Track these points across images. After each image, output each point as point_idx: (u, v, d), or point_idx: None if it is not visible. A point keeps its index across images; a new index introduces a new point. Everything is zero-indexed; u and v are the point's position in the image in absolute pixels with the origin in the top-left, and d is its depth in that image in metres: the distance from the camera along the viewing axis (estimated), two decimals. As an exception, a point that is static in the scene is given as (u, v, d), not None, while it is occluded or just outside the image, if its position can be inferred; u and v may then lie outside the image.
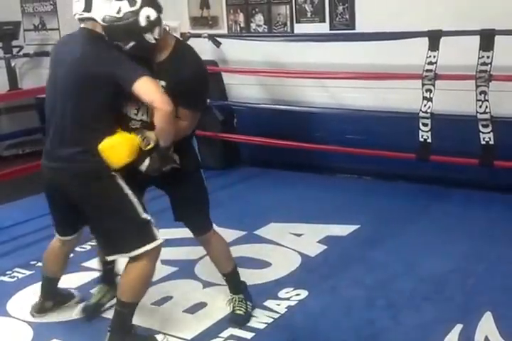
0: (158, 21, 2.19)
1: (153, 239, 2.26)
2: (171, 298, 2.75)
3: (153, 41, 2.18)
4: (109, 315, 2.61)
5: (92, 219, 2.32)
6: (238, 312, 2.55)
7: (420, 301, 2.62)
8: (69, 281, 2.97)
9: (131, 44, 2.16)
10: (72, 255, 3.23)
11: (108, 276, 2.71)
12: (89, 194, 2.22)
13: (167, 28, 2.32)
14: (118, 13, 2.13)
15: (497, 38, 3.48)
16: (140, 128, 2.24)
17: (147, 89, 2.09)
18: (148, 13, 2.16)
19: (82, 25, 2.26)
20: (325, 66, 4.21)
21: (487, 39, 3.52)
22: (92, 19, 2.21)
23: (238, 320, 2.53)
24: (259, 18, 4.60)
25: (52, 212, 2.47)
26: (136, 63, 2.14)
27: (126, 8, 2.13)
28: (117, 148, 2.14)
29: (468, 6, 3.79)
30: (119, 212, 2.23)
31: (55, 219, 2.49)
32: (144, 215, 2.25)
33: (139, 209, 2.24)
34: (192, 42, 4.56)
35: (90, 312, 2.65)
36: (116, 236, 2.25)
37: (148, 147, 2.18)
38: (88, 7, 2.20)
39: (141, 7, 2.16)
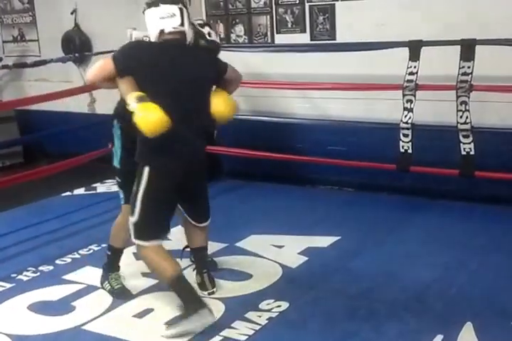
0: None
1: None
2: (152, 310, 2.73)
3: None
4: (93, 328, 2.60)
5: (198, 191, 2.75)
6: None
7: (402, 312, 2.62)
8: (49, 294, 2.93)
9: None
10: (52, 267, 3.22)
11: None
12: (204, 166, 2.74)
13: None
14: None
15: (477, 48, 3.51)
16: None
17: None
18: None
19: (171, 37, 2.54)
20: (306, 77, 4.23)
21: (467, 49, 3.54)
22: (181, 32, 2.55)
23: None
24: (239, 29, 4.61)
25: (165, 213, 2.61)
26: None
27: None
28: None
29: (449, 16, 3.83)
30: None
31: (166, 220, 2.64)
32: None
33: None
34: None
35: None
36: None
37: None
38: (182, 22, 2.55)
39: None
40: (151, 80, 2.48)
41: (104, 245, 3.42)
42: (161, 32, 2.52)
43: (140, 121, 2.36)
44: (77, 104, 5.26)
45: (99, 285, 2.94)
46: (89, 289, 2.94)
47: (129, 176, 2.67)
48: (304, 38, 4.36)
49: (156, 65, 2.51)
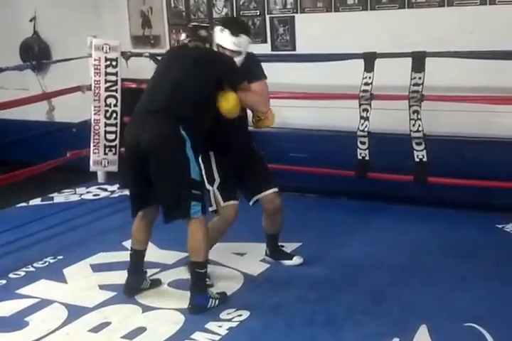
0: None
1: None
2: (109, 323, 2.68)
3: None
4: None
5: None
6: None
7: (359, 315, 2.66)
8: (1, 309, 2.85)
9: None
10: (5, 281, 3.14)
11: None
12: None
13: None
14: None
15: (428, 59, 3.63)
16: None
17: None
18: None
19: None
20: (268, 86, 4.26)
21: (418, 61, 3.66)
22: None
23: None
24: (201, 39, 4.63)
25: None
26: None
27: None
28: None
29: (402, 29, 3.94)
30: None
31: None
32: None
33: None
34: (133, 61, 4.54)
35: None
36: None
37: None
38: None
39: None
40: None
41: (60, 257, 3.39)
42: None
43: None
44: (35, 112, 5.16)
45: (53, 298, 2.88)
46: (44, 303, 2.86)
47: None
48: (265, 49, 4.41)
49: None
